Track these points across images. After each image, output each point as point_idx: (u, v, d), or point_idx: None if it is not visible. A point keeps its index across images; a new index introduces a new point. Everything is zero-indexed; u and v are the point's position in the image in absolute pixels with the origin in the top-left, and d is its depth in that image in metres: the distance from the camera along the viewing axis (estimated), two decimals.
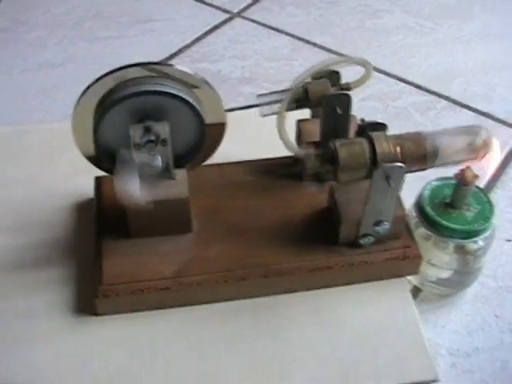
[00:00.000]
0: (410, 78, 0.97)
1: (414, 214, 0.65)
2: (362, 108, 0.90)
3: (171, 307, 0.62)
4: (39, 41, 1.06)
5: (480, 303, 0.68)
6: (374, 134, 0.56)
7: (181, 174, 0.62)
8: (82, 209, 0.72)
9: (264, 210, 0.66)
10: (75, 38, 1.06)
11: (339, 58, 0.61)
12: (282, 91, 0.63)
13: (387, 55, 1.02)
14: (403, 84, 0.96)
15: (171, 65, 0.59)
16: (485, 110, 0.91)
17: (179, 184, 0.62)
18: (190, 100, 0.59)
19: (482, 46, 1.04)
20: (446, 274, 0.66)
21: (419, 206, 0.64)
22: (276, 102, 0.63)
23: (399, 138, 0.57)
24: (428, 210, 0.63)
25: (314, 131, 0.65)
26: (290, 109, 0.62)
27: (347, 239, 0.62)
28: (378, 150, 0.55)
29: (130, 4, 1.14)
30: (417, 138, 0.57)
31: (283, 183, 0.68)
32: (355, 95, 0.88)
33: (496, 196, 0.79)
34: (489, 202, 0.64)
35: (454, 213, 0.63)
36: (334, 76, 0.64)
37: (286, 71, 0.98)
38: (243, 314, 0.62)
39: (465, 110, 0.91)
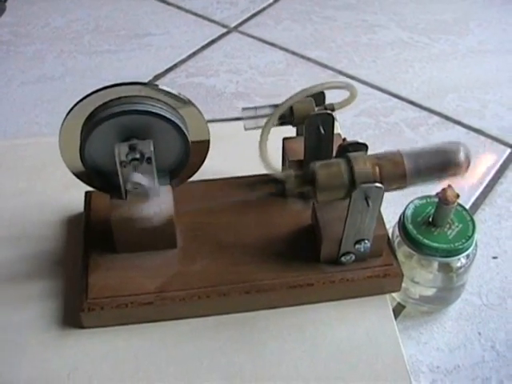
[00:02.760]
0: (403, 94, 0.97)
1: (397, 233, 0.65)
2: (354, 124, 0.91)
3: (155, 321, 0.63)
4: (38, 54, 1.07)
5: (463, 320, 0.68)
6: (353, 155, 0.57)
7: (165, 191, 0.63)
8: (73, 223, 0.72)
9: (248, 226, 0.67)
10: (74, 51, 1.08)
11: (326, 84, 0.61)
12: (267, 106, 0.64)
13: (381, 70, 1.02)
14: (396, 100, 0.96)
15: (156, 85, 0.60)
16: (477, 126, 0.92)
17: (164, 201, 0.63)
18: (175, 119, 0.60)
19: (476, 62, 1.05)
20: (429, 292, 0.67)
21: (402, 225, 0.65)
22: (260, 116, 0.63)
23: (378, 158, 0.57)
24: (410, 228, 0.64)
25: (299, 149, 0.66)
26: (279, 124, 0.63)
27: (329, 257, 0.63)
28: (356, 170, 0.56)
29: (129, 18, 1.15)
30: (395, 157, 0.57)
31: (268, 200, 0.69)
32: (348, 111, 0.90)
33: (484, 213, 0.79)
34: (471, 220, 0.65)
35: (436, 231, 0.64)
36: (319, 96, 0.65)
37: (280, 86, 0.99)
38: (225, 329, 0.63)
39: (457, 126, 0.92)
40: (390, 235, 0.67)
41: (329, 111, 0.62)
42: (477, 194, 0.82)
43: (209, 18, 1.15)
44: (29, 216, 0.73)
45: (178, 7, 1.18)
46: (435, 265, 0.65)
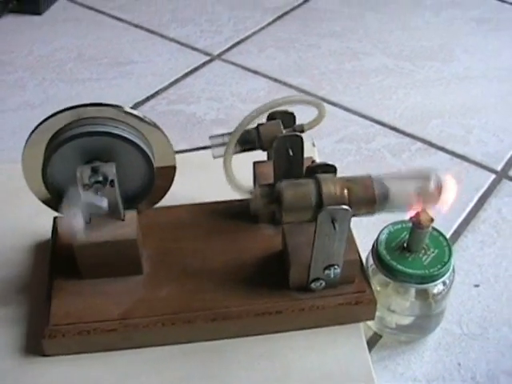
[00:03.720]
0: (385, 120, 0.96)
1: (372, 260, 0.63)
2: (335, 150, 0.89)
3: (119, 349, 0.61)
4: (20, 82, 1.06)
5: (443, 350, 0.66)
6: (322, 176, 0.55)
7: (130, 215, 0.61)
8: (41, 248, 0.70)
9: (216, 252, 0.65)
10: (56, 79, 1.07)
11: (290, 98, 0.59)
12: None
13: (364, 97, 1.01)
14: (378, 126, 0.95)
15: (121, 106, 0.59)
16: (461, 152, 0.90)
17: (128, 225, 0.61)
18: (138, 142, 0.58)
19: (461, 88, 1.03)
20: (406, 321, 0.65)
21: (375, 250, 0.62)
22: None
23: (347, 181, 0.56)
24: (383, 253, 0.61)
25: (270, 173, 0.64)
26: (239, 150, 0.61)
27: (298, 283, 0.60)
28: (324, 192, 0.54)
29: (112, 47, 1.15)
30: (366, 181, 0.56)
31: (238, 225, 0.67)
32: (328, 137, 0.89)
33: (466, 240, 0.77)
34: (448, 245, 0.63)
35: (411, 257, 0.61)
36: (288, 117, 0.63)
37: None
38: (191, 357, 0.60)
39: (440, 153, 0.90)
40: (365, 262, 0.64)
41: (297, 133, 0.60)
42: (459, 220, 0.80)
43: (192, 46, 1.14)
44: None
45: (162, 35, 1.17)
46: (412, 292, 0.62)
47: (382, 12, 1.24)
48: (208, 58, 1.11)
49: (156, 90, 1.03)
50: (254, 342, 0.61)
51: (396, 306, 0.63)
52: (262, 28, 1.19)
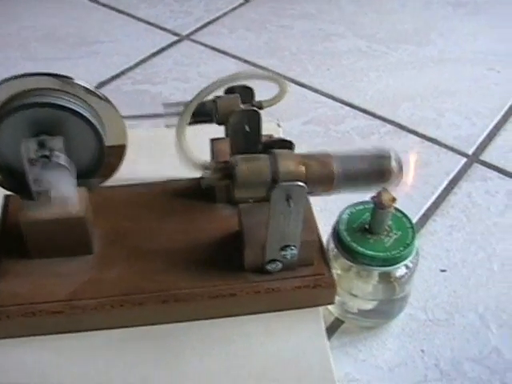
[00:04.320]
0: (355, 102, 0.93)
1: (332, 242, 0.61)
2: (303, 132, 0.87)
3: (66, 332, 0.58)
4: None
5: (406, 337, 0.63)
6: (278, 151, 0.52)
7: (79, 193, 0.58)
8: None
9: (171, 232, 0.62)
10: (19, 58, 1.03)
11: (249, 72, 0.57)
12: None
13: (335, 79, 0.98)
14: (348, 108, 0.92)
15: (71, 78, 0.56)
16: (432, 135, 0.88)
17: (77, 203, 0.58)
18: (89, 116, 0.56)
19: (435, 71, 1.01)
20: (369, 305, 0.62)
21: (335, 232, 0.60)
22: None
23: (305, 157, 0.53)
24: (344, 235, 0.59)
25: (228, 151, 0.61)
26: (193, 122, 0.58)
27: (254, 265, 0.58)
28: (279, 167, 0.51)
29: (80, 26, 1.12)
30: (324, 158, 0.53)
31: (195, 205, 0.64)
32: (296, 119, 0.86)
33: (435, 224, 0.75)
34: (411, 227, 0.60)
35: (372, 239, 0.59)
36: (247, 92, 0.60)
37: None
38: (141, 341, 0.58)
39: (410, 135, 0.87)
40: (326, 245, 0.62)
41: (255, 108, 0.58)
42: (428, 204, 0.77)
43: (161, 26, 1.11)
44: None
45: (130, 15, 1.14)
46: (374, 276, 0.60)
47: None
48: (177, 38, 1.08)
49: (122, 69, 1.00)
50: (209, 327, 0.59)
51: (358, 290, 0.61)
52: (234, 9, 1.16)
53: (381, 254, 0.58)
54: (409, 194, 0.76)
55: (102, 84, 0.96)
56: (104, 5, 1.17)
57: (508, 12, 1.18)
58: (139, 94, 0.94)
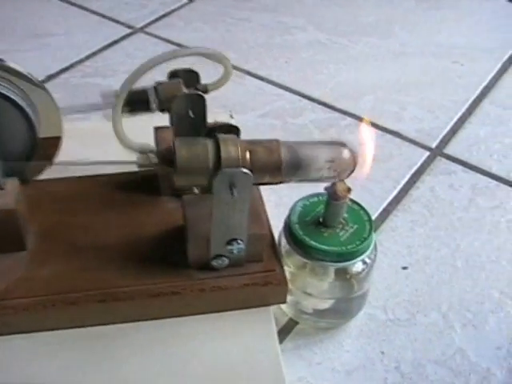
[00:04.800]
0: (315, 95, 0.89)
1: (285, 238, 0.57)
2: (259, 125, 0.83)
3: None
4: None
5: (365, 338, 0.59)
6: (221, 136, 0.48)
7: (11, 184, 0.54)
8: None
9: (111, 227, 0.57)
10: None
11: (190, 50, 0.53)
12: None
13: (293, 71, 0.94)
14: (306, 101, 0.88)
15: (3, 60, 0.51)
16: (394, 128, 0.84)
17: (7, 194, 0.53)
18: (21, 102, 0.51)
19: (397, 64, 0.98)
20: (325, 305, 0.58)
21: (287, 225, 0.56)
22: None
23: (251, 144, 0.49)
24: (296, 228, 0.55)
25: (172, 139, 0.57)
26: (133, 110, 0.54)
27: (198, 261, 0.53)
28: (222, 153, 0.47)
29: (30, 18, 1.07)
30: (271, 144, 0.49)
31: (138, 198, 0.60)
32: (252, 112, 0.82)
33: (396, 219, 0.71)
34: (369, 220, 0.56)
35: (327, 232, 0.55)
36: (191, 76, 0.56)
37: None
38: (78, 344, 0.53)
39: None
40: (277, 241, 0.58)
41: (199, 92, 0.53)
42: (389, 198, 0.74)
43: (114, 18, 1.07)
44: None
45: (83, 8, 1.10)
46: (330, 272, 0.56)
47: None
48: (130, 30, 1.04)
49: (71, 62, 0.96)
50: (150, 328, 0.54)
51: (313, 288, 0.57)
52: (191, 1, 1.12)
53: (335, 249, 0.54)
54: (369, 188, 0.72)
55: (50, 77, 0.92)
56: None
57: (471, 6, 1.16)
58: (89, 87, 0.90)
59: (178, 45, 1.00)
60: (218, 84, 0.57)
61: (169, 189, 0.59)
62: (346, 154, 0.51)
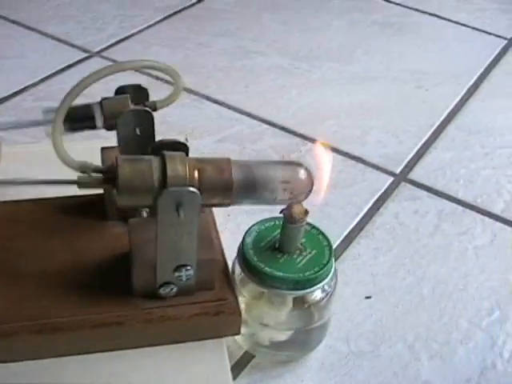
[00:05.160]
0: (275, 120, 0.87)
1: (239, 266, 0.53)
2: (217, 150, 0.80)
3: None
4: None
5: (326, 372, 0.56)
6: (168, 153, 0.45)
7: None
8: None
9: (53, 253, 0.54)
10: None
11: (137, 63, 0.49)
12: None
13: (253, 96, 0.92)
14: (266, 126, 0.85)
15: None
16: (356, 153, 0.82)
17: None
18: None
19: (360, 89, 0.95)
20: (282, 336, 0.55)
21: (241, 251, 0.52)
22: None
23: (200, 162, 0.46)
24: (250, 254, 0.51)
25: None
26: (77, 128, 0.51)
27: (144, 289, 0.50)
28: (169, 171, 0.44)
29: None
30: (222, 163, 0.46)
31: (83, 224, 0.56)
32: (209, 137, 0.79)
33: (359, 247, 0.68)
34: (328, 245, 0.53)
35: (283, 258, 0.51)
36: (140, 93, 0.53)
37: None
38: (13, 379, 0.49)
39: (333, 154, 0.80)
40: (231, 268, 0.54)
41: (146, 108, 0.50)
42: (352, 225, 0.71)
43: (70, 42, 1.03)
44: None
45: (39, 32, 1.06)
46: (288, 302, 0.52)
47: (282, 14, 1.16)
48: (86, 54, 1.01)
49: (24, 86, 0.92)
50: (92, 361, 0.50)
51: (270, 318, 0.53)
52: (150, 26, 1.09)
53: (292, 276, 0.50)
54: (330, 214, 0.69)
55: (1, 100, 0.88)
56: (13, 21, 1.09)
57: (435, 32, 1.14)
58: (40, 111, 0.86)
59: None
60: (167, 101, 0.53)
61: (116, 213, 0.55)
62: (302, 174, 0.48)
